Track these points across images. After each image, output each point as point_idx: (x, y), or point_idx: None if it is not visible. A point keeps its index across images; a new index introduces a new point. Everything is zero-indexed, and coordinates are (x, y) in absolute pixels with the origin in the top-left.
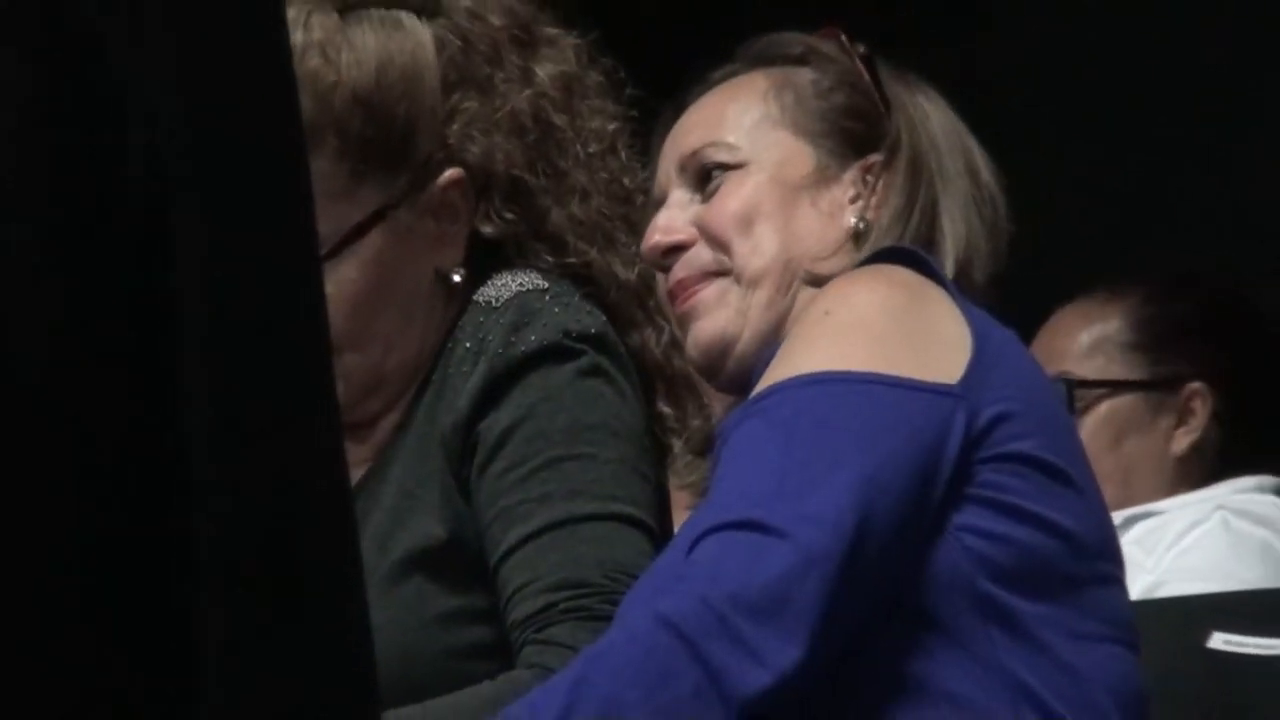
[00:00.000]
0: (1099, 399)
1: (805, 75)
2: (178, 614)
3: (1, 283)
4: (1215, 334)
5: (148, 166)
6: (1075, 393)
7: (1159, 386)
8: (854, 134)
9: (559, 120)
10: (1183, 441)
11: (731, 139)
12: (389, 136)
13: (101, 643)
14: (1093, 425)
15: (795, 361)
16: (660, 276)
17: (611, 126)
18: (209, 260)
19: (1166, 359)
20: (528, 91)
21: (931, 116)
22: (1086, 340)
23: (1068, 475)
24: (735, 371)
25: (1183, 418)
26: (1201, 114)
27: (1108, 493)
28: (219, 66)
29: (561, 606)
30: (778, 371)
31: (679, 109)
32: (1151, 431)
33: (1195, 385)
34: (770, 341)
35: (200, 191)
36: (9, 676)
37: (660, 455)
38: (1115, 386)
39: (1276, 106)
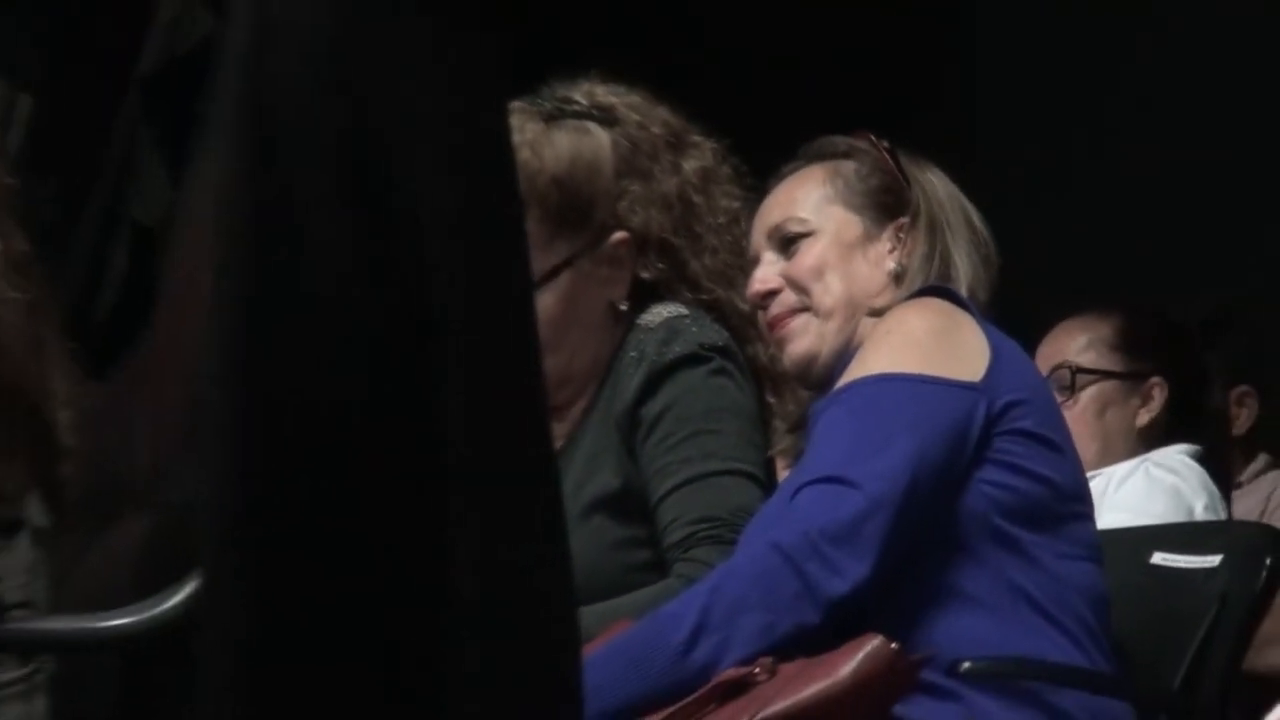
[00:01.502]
0: (1091, 382)
1: (849, 166)
2: (440, 542)
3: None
4: (1169, 347)
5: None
6: (1075, 377)
7: (1131, 378)
8: (887, 204)
9: (697, 200)
10: (1144, 418)
11: (802, 214)
12: (576, 208)
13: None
14: (1085, 400)
15: (866, 366)
16: (760, 312)
17: (735, 204)
18: (470, 291)
19: (1138, 360)
20: (676, 179)
21: (938, 186)
22: (1084, 341)
23: (1055, 443)
24: (819, 376)
25: (1145, 401)
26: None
27: (1091, 449)
28: (484, 173)
29: (700, 535)
30: (852, 373)
31: (763, 194)
32: (1124, 408)
33: (1155, 380)
34: (842, 355)
35: (464, 246)
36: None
37: (767, 431)
38: (1103, 375)
39: None
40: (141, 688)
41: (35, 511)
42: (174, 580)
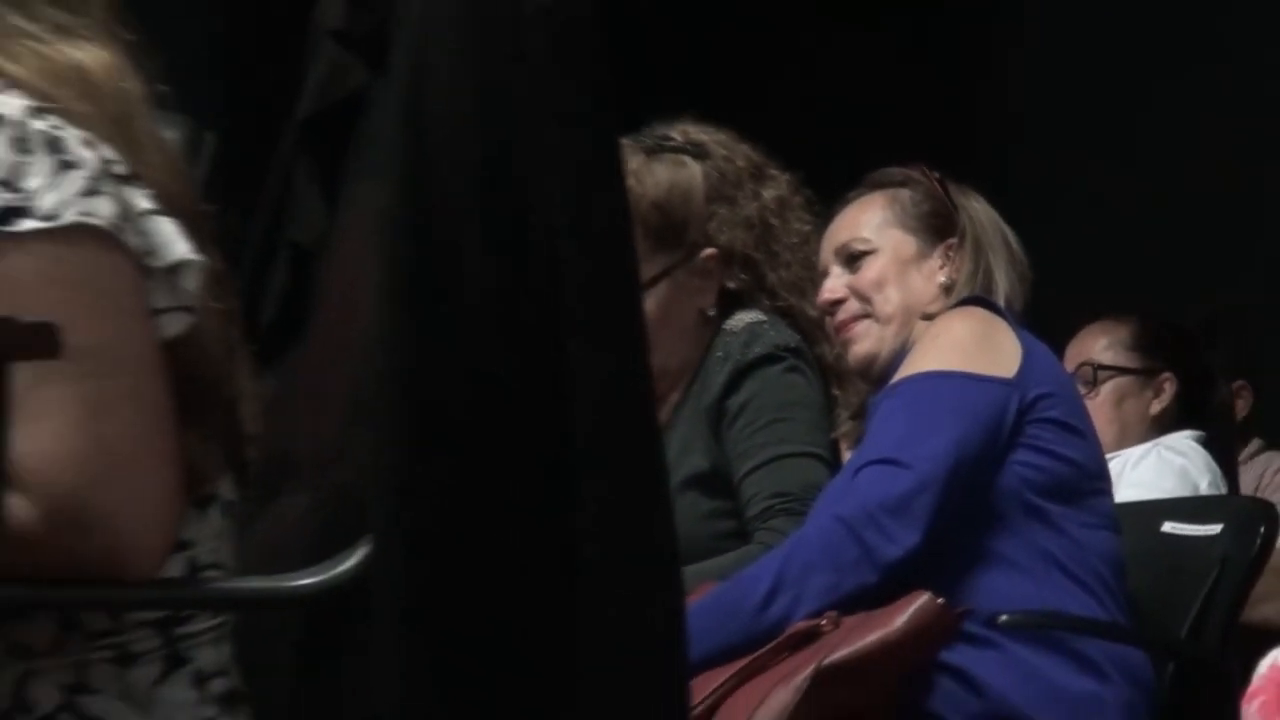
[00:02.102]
0: (1110, 377)
1: (905, 193)
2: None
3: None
4: (1177, 347)
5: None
6: (1097, 373)
7: (1145, 374)
8: (937, 227)
9: (774, 222)
10: (1156, 407)
11: (865, 234)
12: (672, 229)
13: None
14: (1105, 392)
15: (917, 364)
16: (828, 318)
17: (806, 227)
18: (591, 298)
19: (1150, 358)
20: (756, 204)
21: (980, 212)
22: (1104, 342)
23: (1078, 429)
24: (878, 373)
25: (1157, 393)
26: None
27: (1110, 435)
28: (601, 198)
29: (776, 508)
30: (906, 370)
31: (829, 218)
32: (1139, 400)
33: (1166, 375)
34: (898, 355)
35: (586, 261)
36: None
37: (832, 419)
38: (1120, 371)
39: None
40: (314, 639)
41: (225, 488)
42: (336, 546)
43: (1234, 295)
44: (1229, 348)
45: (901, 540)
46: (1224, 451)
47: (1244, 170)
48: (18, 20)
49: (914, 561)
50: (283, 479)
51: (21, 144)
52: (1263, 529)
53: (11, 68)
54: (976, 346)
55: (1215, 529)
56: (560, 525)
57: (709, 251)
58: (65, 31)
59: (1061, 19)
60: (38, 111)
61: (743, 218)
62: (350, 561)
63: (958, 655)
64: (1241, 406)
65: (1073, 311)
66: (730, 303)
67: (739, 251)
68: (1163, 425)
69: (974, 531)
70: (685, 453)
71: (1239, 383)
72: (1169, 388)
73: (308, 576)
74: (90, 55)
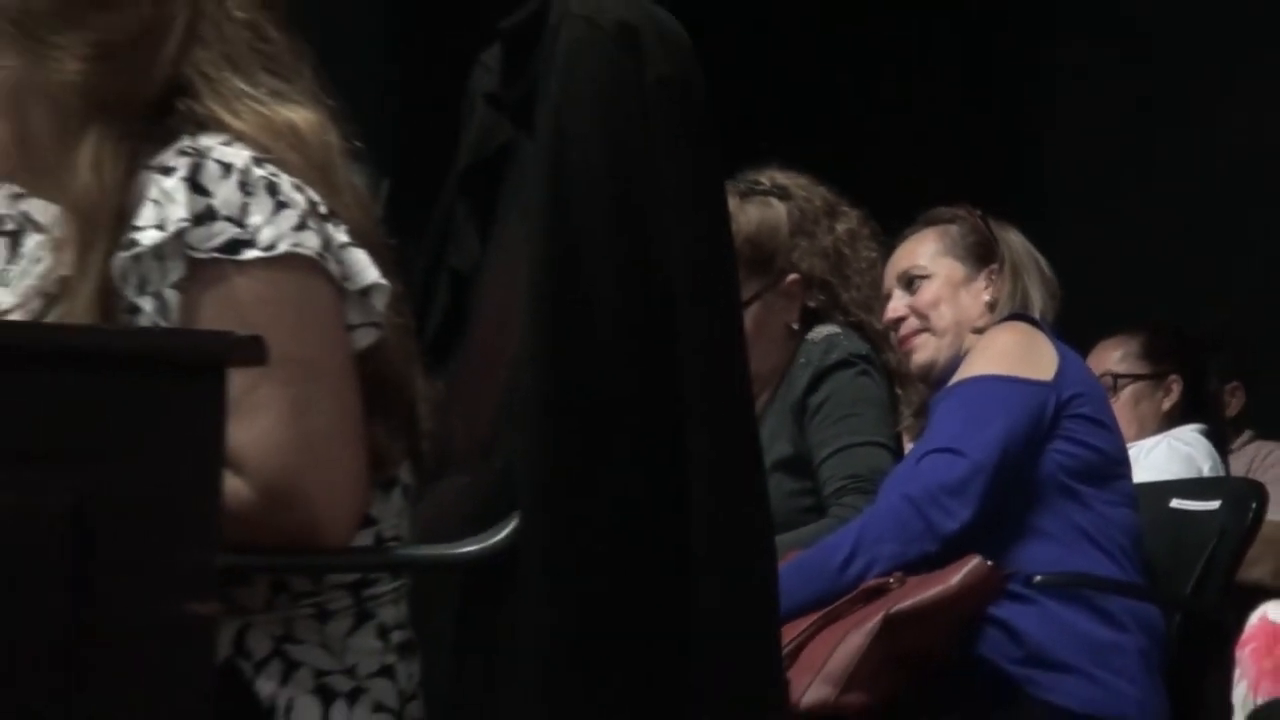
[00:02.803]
0: (1128, 383)
1: (954, 228)
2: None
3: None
4: (1182, 354)
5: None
6: (1116, 381)
7: (1155, 378)
8: (981, 255)
9: (847, 251)
10: (1166, 404)
11: (922, 263)
12: (762, 259)
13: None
14: (1124, 397)
15: (970, 370)
16: (892, 331)
17: (873, 255)
18: (702, 319)
19: (1159, 364)
20: (831, 237)
21: (1016, 241)
22: (1120, 354)
23: (1104, 423)
24: (936, 377)
25: (1166, 394)
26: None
27: (1129, 430)
28: (712, 236)
29: (849, 488)
30: (960, 374)
31: (891, 248)
32: (1152, 400)
33: (1173, 377)
34: (953, 362)
35: (700, 289)
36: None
37: (896, 414)
38: (1135, 378)
39: None
40: (473, 598)
41: (405, 473)
42: (490, 521)
43: (1236, 302)
44: (1228, 354)
45: (958, 515)
46: (1221, 441)
47: (1240, 205)
48: (243, 85)
49: (968, 533)
50: (445, 465)
51: (246, 187)
52: (1254, 505)
53: (237, 124)
54: (1020, 354)
55: (1214, 505)
56: (677, 500)
57: (793, 277)
58: (280, 96)
59: (1090, 66)
60: (259, 161)
61: (820, 248)
62: (503, 533)
63: (1002, 610)
64: (1235, 404)
65: (1094, 323)
66: (811, 318)
67: (817, 276)
68: (1171, 420)
69: (1017, 508)
70: (774, 441)
71: (1233, 384)
72: (1176, 387)
73: (469, 545)
74: (299, 115)
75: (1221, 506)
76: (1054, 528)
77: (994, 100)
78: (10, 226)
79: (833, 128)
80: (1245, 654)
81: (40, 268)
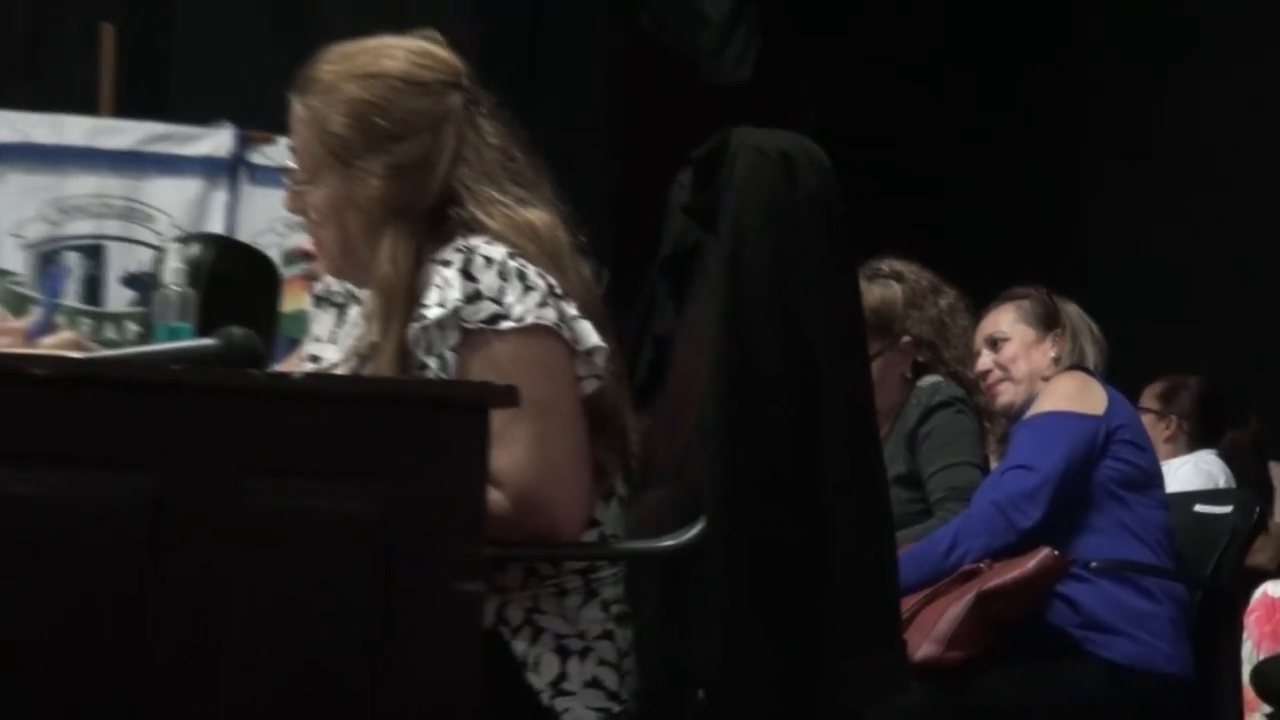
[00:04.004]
0: (1143, 414)
1: (1027, 303)
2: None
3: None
4: (1200, 399)
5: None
6: (1146, 416)
7: (1162, 415)
8: (1048, 322)
9: (947, 320)
10: (1165, 435)
11: (1003, 329)
12: (883, 326)
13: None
14: (1157, 430)
15: (1040, 407)
16: (981, 380)
17: (965, 323)
18: (841, 371)
19: (1172, 404)
20: (936, 309)
21: (1073, 311)
22: (1149, 397)
23: (1143, 446)
24: (1015, 414)
25: (1168, 427)
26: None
27: (1163, 452)
28: (847, 308)
29: (949, 497)
30: (1033, 411)
31: (979, 318)
32: (1154, 430)
33: (1173, 417)
34: (1028, 403)
35: (841, 349)
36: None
37: (984, 442)
38: (1147, 411)
39: None
40: (672, 584)
41: (619, 486)
42: (682, 523)
43: (1254, 355)
44: (1238, 399)
45: (1032, 516)
46: (1233, 462)
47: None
48: (495, 194)
49: (1040, 529)
50: (649, 481)
51: (503, 275)
52: (1257, 509)
53: (491, 224)
54: (1078, 396)
55: (1227, 509)
56: (822, 506)
57: (906, 339)
58: (523, 201)
59: (1129, 165)
60: (512, 255)
61: (927, 317)
62: (692, 532)
63: (1066, 587)
64: (1248, 435)
65: (1132, 373)
66: (920, 370)
67: (925, 339)
68: (1193, 445)
69: (1077, 510)
70: (892, 462)
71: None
72: (1175, 421)
73: (668, 540)
74: (537, 216)
75: (1233, 511)
76: (1105, 525)
77: (1047, 193)
78: (339, 300)
79: (921, 219)
80: (1251, 620)
81: (357, 333)
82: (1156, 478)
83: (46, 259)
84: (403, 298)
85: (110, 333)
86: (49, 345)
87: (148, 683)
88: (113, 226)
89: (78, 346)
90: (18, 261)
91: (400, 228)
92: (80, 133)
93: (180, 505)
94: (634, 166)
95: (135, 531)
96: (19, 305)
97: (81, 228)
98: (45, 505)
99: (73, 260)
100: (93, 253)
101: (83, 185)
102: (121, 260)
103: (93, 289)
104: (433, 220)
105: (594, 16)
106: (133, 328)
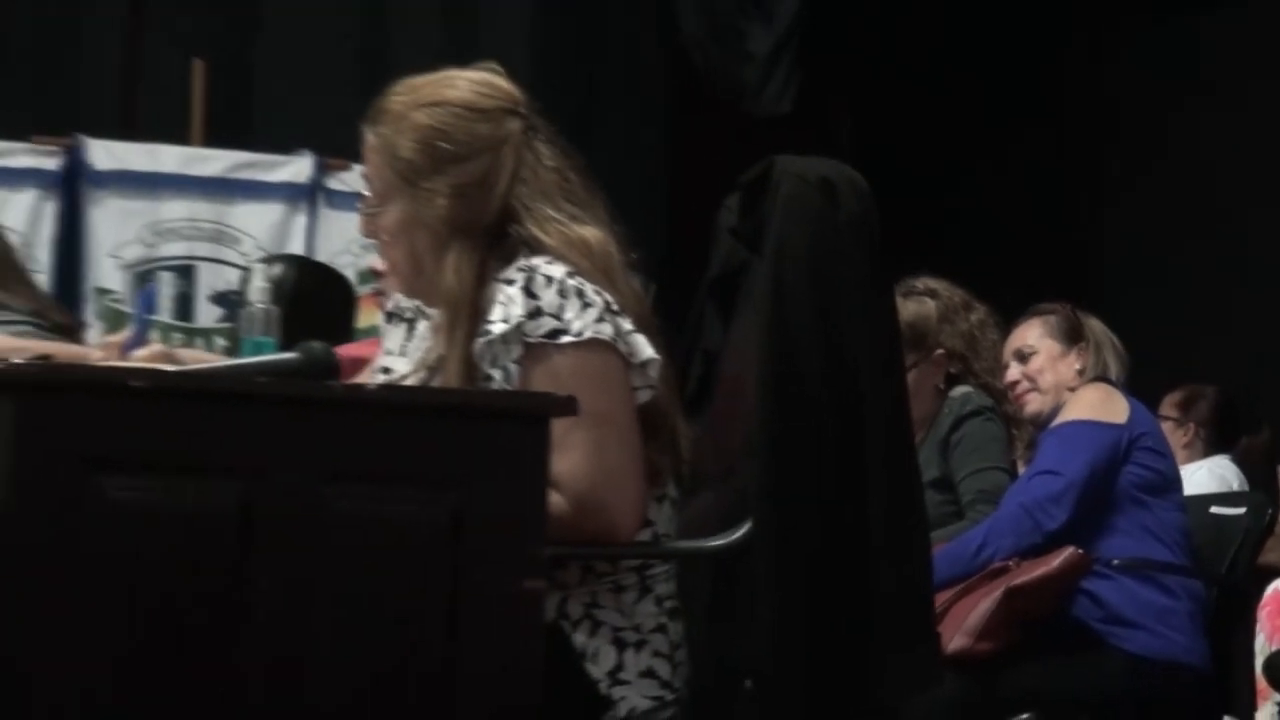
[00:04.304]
0: (1162, 422)
1: (1053, 318)
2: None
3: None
4: (1216, 408)
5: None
6: (1165, 424)
7: (1180, 422)
8: (1073, 337)
9: (977, 334)
10: (1184, 441)
11: (1030, 342)
12: (918, 339)
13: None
14: (1175, 436)
15: (1066, 416)
16: (1009, 390)
17: (995, 337)
18: (879, 379)
19: (1190, 412)
20: (967, 324)
21: (1097, 326)
22: (1168, 406)
23: (1162, 453)
24: (1042, 423)
25: (1186, 433)
26: None
27: (1181, 458)
28: (884, 323)
29: (980, 499)
30: (1059, 420)
31: (1007, 332)
32: (1173, 436)
33: (1190, 423)
34: (1054, 412)
35: (878, 361)
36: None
37: (1012, 448)
38: (1165, 418)
39: None
40: (721, 581)
41: (671, 489)
42: (729, 525)
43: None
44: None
45: (1058, 518)
46: (1246, 468)
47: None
48: (551, 212)
49: (1065, 530)
50: (699, 485)
51: (563, 293)
52: (1269, 511)
53: (547, 240)
54: (1101, 406)
55: (1241, 511)
56: (861, 508)
57: (939, 352)
58: (577, 219)
59: (1143, 190)
60: (570, 274)
61: (959, 332)
62: (740, 533)
63: (1090, 584)
64: (1261, 443)
65: (1150, 383)
66: (952, 381)
67: (957, 351)
68: (1209, 451)
69: (1101, 512)
70: (926, 467)
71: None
72: (1192, 428)
73: (717, 540)
74: (590, 233)
75: (1246, 512)
76: (1127, 526)
77: (1070, 211)
78: (409, 316)
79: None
80: (1263, 615)
81: (426, 346)
82: (1175, 482)
83: (142, 278)
84: (467, 311)
85: (200, 347)
86: (142, 358)
87: (236, 674)
88: (203, 248)
89: (169, 360)
90: (116, 280)
91: (464, 244)
92: (174, 161)
93: (265, 509)
94: (683, 192)
95: (224, 533)
96: (116, 321)
97: (174, 249)
98: (142, 509)
99: (166, 279)
100: (184, 272)
101: (176, 210)
102: (210, 279)
103: (184, 306)
104: (494, 237)
105: (646, 53)
106: (220, 342)
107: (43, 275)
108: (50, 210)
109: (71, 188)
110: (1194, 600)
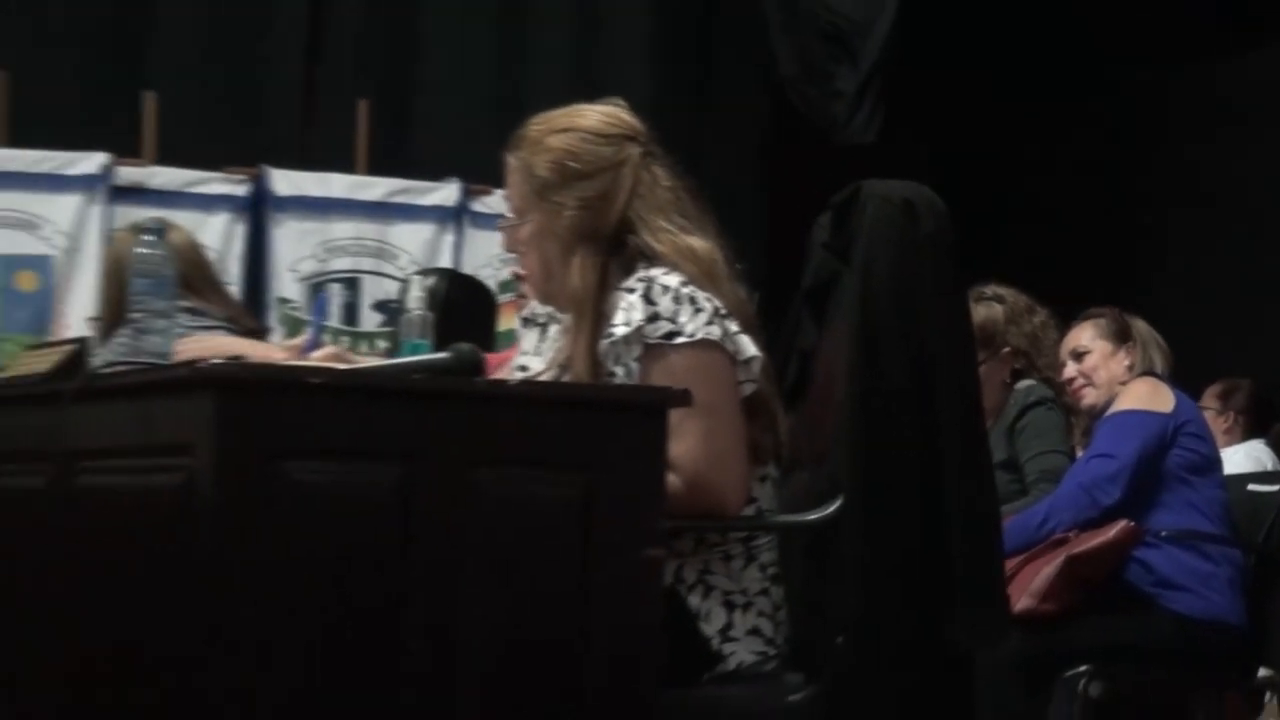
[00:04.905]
0: (1214, 416)
1: (1103, 320)
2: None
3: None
4: (1252, 399)
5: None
6: (1206, 412)
7: (1220, 411)
8: (1122, 337)
9: (1040, 334)
10: (1224, 427)
11: (1085, 342)
12: (988, 339)
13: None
14: (1216, 424)
15: (1118, 407)
16: (1067, 384)
17: (1055, 336)
18: (956, 371)
19: (1229, 402)
20: (1030, 325)
21: (1143, 326)
22: (1209, 397)
23: (1204, 438)
24: (1097, 414)
25: (1227, 420)
26: None
27: (1221, 442)
28: (960, 324)
29: (1042, 478)
30: (1113, 410)
31: (1065, 333)
32: (1214, 423)
33: (1230, 411)
34: (1107, 404)
35: (954, 357)
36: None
37: (1071, 435)
38: (1216, 410)
39: None
40: (817, 550)
41: (771, 470)
42: (823, 502)
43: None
44: None
45: (1112, 495)
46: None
47: None
48: (663, 224)
49: (1119, 506)
50: (794, 467)
51: (677, 300)
52: None
53: (659, 247)
54: (1150, 397)
55: (1275, 488)
56: (938, 487)
57: (1006, 350)
58: (686, 230)
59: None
60: (684, 283)
61: (1023, 333)
62: (831, 508)
63: (1141, 552)
64: None
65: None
66: (1017, 375)
67: (1021, 350)
68: (1232, 437)
69: (1150, 490)
70: (995, 451)
71: None
72: (1231, 416)
73: (812, 514)
74: (699, 243)
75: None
76: (1173, 502)
77: (1116, 228)
78: (542, 320)
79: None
80: None
81: (557, 346)
82: (1216, 463)
83: (315, 289)
84: (591, 312)
85: (364, 349)
86: (318, 359)
87: (399, 630)
88: (366, 263)
89: (341, 359)
90: (294, 291)
91: (587, 250)
92: (342, 187)
93: (421, 488)
94: (782, 211)
95: (388, 509)
96: (294, 326)
97: (342, 264)
98: (319, 488)
99: (335, 290)
100: (351, 284)
101: (343, 230)
102: (373, 290)
103: (350, 313)
104: (614, 246)
105: (750, 91)
106: (382, 344)
107: (234, 286)
108: (240, 231)
109: (257, 211)
110: (1233, 566)
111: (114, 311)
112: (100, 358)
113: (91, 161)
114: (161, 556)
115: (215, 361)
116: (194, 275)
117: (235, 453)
